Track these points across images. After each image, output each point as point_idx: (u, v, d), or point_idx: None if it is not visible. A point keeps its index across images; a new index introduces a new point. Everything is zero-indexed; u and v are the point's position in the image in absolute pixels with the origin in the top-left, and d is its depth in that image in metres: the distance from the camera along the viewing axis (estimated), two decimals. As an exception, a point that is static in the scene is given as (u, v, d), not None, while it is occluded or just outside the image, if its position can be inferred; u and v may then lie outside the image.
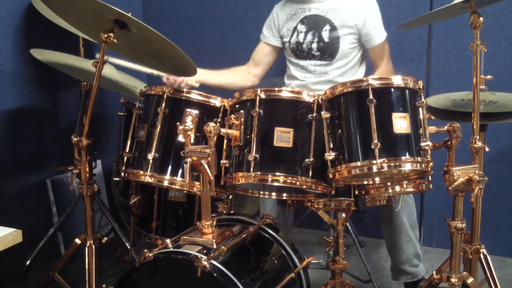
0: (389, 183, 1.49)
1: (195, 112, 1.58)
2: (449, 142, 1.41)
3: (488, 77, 1.76)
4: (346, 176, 1.39)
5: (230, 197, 1.69)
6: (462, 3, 1.44)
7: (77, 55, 2.31)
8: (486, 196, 1.74)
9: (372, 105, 1.35)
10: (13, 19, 2.28)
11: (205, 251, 1.32)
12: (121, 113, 1.85)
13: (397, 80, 1.41)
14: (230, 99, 1.61)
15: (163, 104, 1.58)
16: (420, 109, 1.40)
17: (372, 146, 1.32)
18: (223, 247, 1.32)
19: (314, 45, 2.16)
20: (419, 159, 1.36)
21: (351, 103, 1.41)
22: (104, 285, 1.42)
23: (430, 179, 1.44)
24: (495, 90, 1.82)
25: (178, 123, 1.42)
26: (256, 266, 1.50)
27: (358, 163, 1.36)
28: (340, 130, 1.42)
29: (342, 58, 2.17)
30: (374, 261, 2.54)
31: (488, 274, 1.71)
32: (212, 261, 1.26)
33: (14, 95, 2.30)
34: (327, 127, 1.43)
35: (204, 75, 2.19)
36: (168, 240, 1.37)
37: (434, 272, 1.55)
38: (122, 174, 1.64)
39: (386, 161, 1.33)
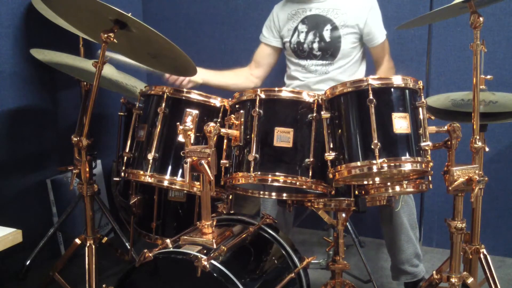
0: (389, 183, 1.49)
1: (195, 112, 1.58)
2: (449, 142, 1.41)
3: (488, 77, 1.76)
4: (346, 176, 1.39)
5: (230, 197, 1.69)
6: (462, 3, 1.44)
7: (77, 55, 2.31)
8: (486, 196, 1.74)
9: (372, 105, 1.35)
10: (13, 19, 2.28)
11: (205, 251, 1.32)
12: (121, 113, 1.84)
13: (397, 80, 1.41)
14: (230, 99, 1.61)
15: (163, 104, 1.58)
16: (420, 109, 1.40)
17: (372, 146, 1.32)
18: (223, 247, 1.32)
19: (315, 45, 2.16)
20: (419, 159, 1.36)
21: (351, 103, 1.41)
22: (104, 285, 1.42)
23: (430, 179, 1.44)
24: (495, 90, 1.83)
25: (178, 123, 1.42)
26: (256, 266, 1.50)
27: (358, 163, 1.36)
28: (340, 130, 1.42)
29: (344, 58, 2.17)
30: (374, 261, 2.54)
31: (488, 274, 1.71)
32: (212, 261, 1.26)
33: (14, 95, 2.30)
34: (327, 127, 1.43)
35: (207, 75, 2.20)
36: (168, 240, 1.37)
37: (434, 272, 1.55)
38: (122, 174, 1.64)
39: (386, 161, 1.33)
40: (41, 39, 2.37)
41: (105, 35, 1.50)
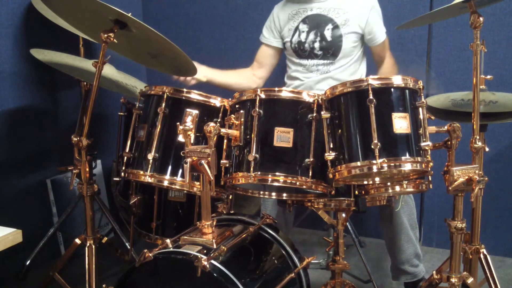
0: (389, 183, 1.49)
1: (195, 112, 1.58)
2: (449, 142, 1.41)
3: (488, 77, 1.76)
4: (346, 176, 1.39)
5: (230, 197, 1.69)
6: (462, 3, 1.44)
7: (77, 55, 2.31)
8: (486, 196, 1.74)
9: (372, 105, 1.35)
10: (13, 19, 2.28)
11: (205, 251, 1.32)
12: (121, 113, 1.85)
13: (397, 80, 1.41)
14: (230, 99, 1.61)
15: (163, 104, 1.58)
16: (420, 109, 1.40)
17: (372, 146, 1.32)
18: (223, 247, 1.32)
19: (317, 44, 2.16)
20: (419, 159, 1.36)
21: (351, 103, 1.41)
22: (104, 285, 1.42)
23: (430, 179, 1.44)
24: (495, 90, 1.82)
25: (178, 123, 1.43)
26: (256, 266, 1.50)
27: (358, 163, 1.36)
28: (340, 130, 1.42)
29: (345, 57, 2.18)
30: (374, 261, 2.54)
31: (488, 274, 1.71)
32: (212, 261, 1.26)
33: (14, 95, 2.30)
34: (327, 127, 1.43)
35: (211, 73, 2.20)
36: (168, 240, 1.37)
37: (434, 272, 1.55)
38: (122, 174, 1.63)
39: (386, 161, 1.33)
40: (41, 39, 2.37)
41: (105, 35, 1.50)
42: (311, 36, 2.17)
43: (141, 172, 1.58)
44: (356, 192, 1.53)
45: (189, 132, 1.36)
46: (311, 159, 1.41)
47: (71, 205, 2.33)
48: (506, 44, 2.43)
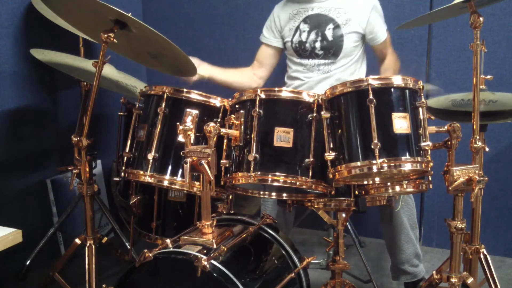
0: (389, 183, 1.49)
1: (195, 112, 1.58)
2: (449, 142, 1.41)
3: (488, 77, 1.76)
4: (346, 176, 1.39)
5: (230, 197, 1.69)
6: (462, 3, 1.43)
7: (77, 55, 2.31)
8: (486, 196, 1.74)
9: (372, 105, 1.35)
10: (13, 19, 2.28)
11: (205, 251, 1.32)
12: (121, 113, 1.85)
13: (397, 80, 1.41)
14: (230, 99, 1.61)
15: (163, 104, 1.58)
16: (420, 109, 1.40)
17: (372, 146, 1.32)
18: (223, 247, 1.32)
19: (318, 44, 2.16)
20: (419, 159, 1.36)
21: (351, 103, 1.41)
22: (104, 285, 1.42)
23: (430, 179, 1.44)
24: (495, 90, 1.82)
25: (178, 123, 1.42)
26: (256, 266, 1.50)
27: (358, 163, 1.36)
28: (340, 130, 1.42)
29: (346, 57, 2.18)
30: (374, 261, 2.54)
31: (488, 274, 1.71)
32: (212, 261, 1.26)
33: (14, 95, 2.30)
34: (327, 127, 1.43)
35: (213, 71, 2.20)
36: (168, 240, 1.37)
37: (434, 272, 1.55)
38: (122, 174, 1.63)
39: (386, 161, 1.33)
40: (41, 39, 2.37)
41: (105, 35, 1.50)
42: (312, 35, 2.17)
43: (141, 172, 1.58)
44: (356, 192, 1.53)
45: (189, 132, 1.36)
46: (311, 159, 1.41)
47: (71, 205, 2.33)
48: (506, 44, 2.43)
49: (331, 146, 1.43)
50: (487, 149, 1.54)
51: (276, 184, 1.45)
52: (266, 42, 2.34)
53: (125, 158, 1.63)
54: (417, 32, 2.57)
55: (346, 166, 1.38)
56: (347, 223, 2.14)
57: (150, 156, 1.55)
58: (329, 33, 2.15)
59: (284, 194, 1.63)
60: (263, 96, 1.46)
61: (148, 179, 1.56)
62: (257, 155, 1.42)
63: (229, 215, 1.64)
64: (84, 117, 1.63)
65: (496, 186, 2.51)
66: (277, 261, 1.54)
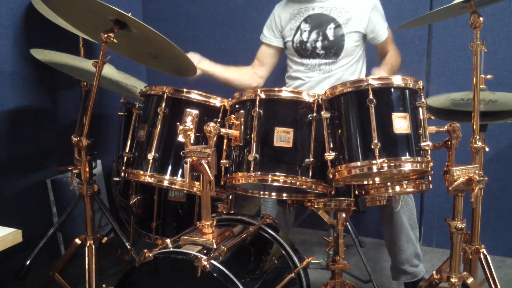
0: (389, 183, 1.49)
1: (195, 112, 1.58)
2: (449, 142, 1.41)
3: (488, 76, 1.76)
4: (346, 176, 1.39)
5: (230, 197, 1.69)
6: (462, 3, 1.43)
7: (77, 55, 2.31)
8: (486, 196, 1.74)
9: (372, 105, 1.35)
10: (13, 19, 2.28)
11: (205, 251, 1.32)
12: (121, 113, 1.84)
13: (397, 80, 1.41)
14: (230, 99, 1.61)
15: (163, 104, 1.58)
16: (420, 109, 1.40)
17: (372, 146, 1.32)
18: (223, 247, 1.32)
19: (319, 44, 2.16)
20: (419, 159, 1.36)
21: (351, 103, 1.41)
22: (104, 285, 1.42)
23: (430, 179, 1.44)
24: (495, 90, 1.82)
25: (178, 123, 1.43)
26: (256, 266, 1.50)
27: (358, 163, 1.36)
28: (340, 130, 1.42)
29: (347, 56, 2.18)
30: (374, 261, 2.54)
31: (488, 274, 1.71)
32: (212, 261, 1.26)
33: (14, 95, 2.30)
34: (327, 127, 1.43)
35: (214, 67, 2.20)
36: (168, 240, 1.37)
37: (434, 272, 1.55)
38: (122, 174, 1.63)
39: (386, 161, 1.33)
40: (41, 39, 2.37)
41: (105, 35, 1.50)
42: (313, 35, 2.17)
43: (141, 172, 1.58)
44: (356, 192, 1.53)
45: (189, 132, 1.36)
46: (311, 159, 1.41)
47: (71, 205, 2.33)
48: (506, 44, 2.43)
49: (331, 146, 1.43)
50: (487, 149, 1.54)
51: (276, 184, 1.45)
52: (266, 41, 2.34)
53: (125, 158, 1.63)
54: (417, 32, 2.57)
55: (346, 166, 1.38)
56: (347, 223, 2.14)
57: (150, 156, 1.55)
58: (330, 32, 2.15)
59: (284, 194, 1.63)
60: (263, 96, 1.46)
61: (148, 179, 1.56)
62: (257, 155, 1.42)
63: (229, 215, 1.64)
64: (84, 117, 1.63)
65: (496, 186, 2.51)
66: (277, 261, 1.54)
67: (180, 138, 1.54)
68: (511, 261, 2.55)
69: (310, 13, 2.20)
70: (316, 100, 1.44)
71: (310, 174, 1.41)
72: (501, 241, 2.58)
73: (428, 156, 1.38)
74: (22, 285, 2.22)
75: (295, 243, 1.60)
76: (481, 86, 1.75)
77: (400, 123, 1.36)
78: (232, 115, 1.51)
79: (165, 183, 1.58)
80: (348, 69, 2.20)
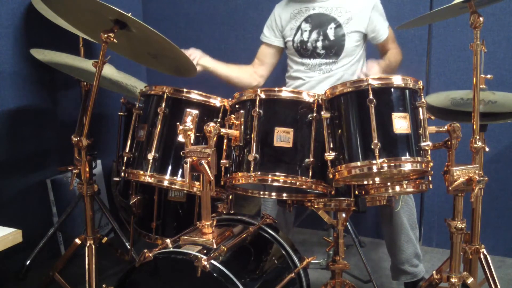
0: (389, 183, 1.49)
1: (195, 112, 1.58)
2: (449, 142, 1.41)
3: (488, 76, 1.76)
4: (346, 176, 1.39)
5: (230, 197, 1.69)
6: (462, 3, 1.44)
7: (77, 55, 2.31)
8: (486, 196, 1.74)
9: (372, 105, 1.35)
10: (13, 19, 2.28)
11: (205, 251, 1.32)
12: (121, 113, 1.84)
13: (397, 80, 1.41)
14: (230, 99, 1.61)
15: (163, 104, 1.58)
16: (420, 109, 1.40)
17: (372, 146, 1.32)
18: (223, 247, 1.32)
19: (319, 43, 2.16)
20: (419, 159, 1.36)
21: (351, 103, 1.41)
22: (104, 285, 1.42)
23: (430, 179, 1.44)
24: (495, 89, 1.83)
25: (178, 123, 1.42)
26: (256, 266, 1.50)
27: (358, 163, 1.36)
28: (340, 130, 1.42)
29: (347, 56, 2.18)
30: (374, 261, 2.54)
31: (488, 274, 1.71)
32: (212, 261, 1.26)
33: (14, 95, 2.30)
34: (327, 127, 1.43)
35: (215, 64, 2.20)
36: (168, 240, 1.37)
37: (434, 272, 1.55)
38: (122, 174, 1.64)
39: (386, 161, 1.33)
40: (41, 39, 2.37)
41: (105, 35, 1.50)
42: (314, 35, 2.17)
43: (141, 172, 1.58)
44: (356, 192, 1.53)
45: (189, 132, 1.36)
46: (311, 159, 1.41)
47: (71, 205, 2.33)
48: (506, 44, 2.43)
49: (331, 146, 1.43)
50: (487, 149, 1.55)
51: (276, 184, 1.45)
52: (266, 41, 2.34)
53: (125, 158, 1.63)
54: (417, 32, 2.57)
55: (346, 166, 1.38)
56: (347, 223, 2.14)
57: (150, 156, 1.55)
58: (330, 32, 2.15)
59: (284, 194, 1.63)
60: (263, 96, 1.46)
61: (148, 179, 1.56)
62: (257, 155, 1.42)
63: (229, 215, 1.64)
64: (84, 117, 1.63)
65: (496, 186, 2.51)
66: (277, 261, 1.54)
67: (180, 138, 1.54)
68: (511, 261, 2.55)
69: (311, 13, 2.20)
70: (316, 100, 1.44)
71: (310, 174, 1.41)
72: (501, 241, 2.58)
73: (428, 156, 1.38)
74: (22, 285, 2.22)
75: (295, 243, 1.60)
76: (481, 86, 1.75)
77: (400, 123, 1.36)
78: (232, 115, 1.51)
79: (165, 183, 1.58)
80: (349, 69, 2.20)
